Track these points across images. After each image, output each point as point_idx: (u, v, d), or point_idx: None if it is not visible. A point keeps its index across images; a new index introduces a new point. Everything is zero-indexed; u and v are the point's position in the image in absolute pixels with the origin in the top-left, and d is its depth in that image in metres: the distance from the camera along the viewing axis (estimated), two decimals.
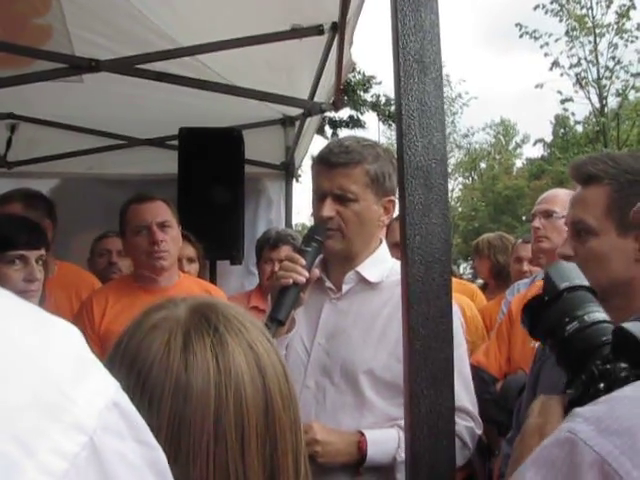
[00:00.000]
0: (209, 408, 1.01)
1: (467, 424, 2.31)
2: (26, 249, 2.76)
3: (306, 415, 2.30)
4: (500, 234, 5.97)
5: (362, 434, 2.26)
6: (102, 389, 0.66)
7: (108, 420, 0.64)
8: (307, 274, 2.27)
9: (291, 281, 2.25)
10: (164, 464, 0.70)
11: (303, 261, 2.28)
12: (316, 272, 2.37)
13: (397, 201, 2.37)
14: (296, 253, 2.39)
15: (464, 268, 35.15)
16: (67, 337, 0.68)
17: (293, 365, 2.41)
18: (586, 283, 1.54)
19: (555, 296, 1.47)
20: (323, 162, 2.43)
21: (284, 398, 1.08)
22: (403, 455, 2.17)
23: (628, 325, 1.20)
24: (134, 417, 0.68)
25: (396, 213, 2.52)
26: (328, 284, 2.49)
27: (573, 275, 1.54)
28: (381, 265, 2.47)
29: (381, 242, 2.54)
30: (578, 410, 0.73)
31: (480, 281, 6.53)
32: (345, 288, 2.46)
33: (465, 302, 4.37)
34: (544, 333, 1.49)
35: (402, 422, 2.23)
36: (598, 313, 1.43)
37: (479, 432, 2.37)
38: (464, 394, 2.29)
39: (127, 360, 1.08)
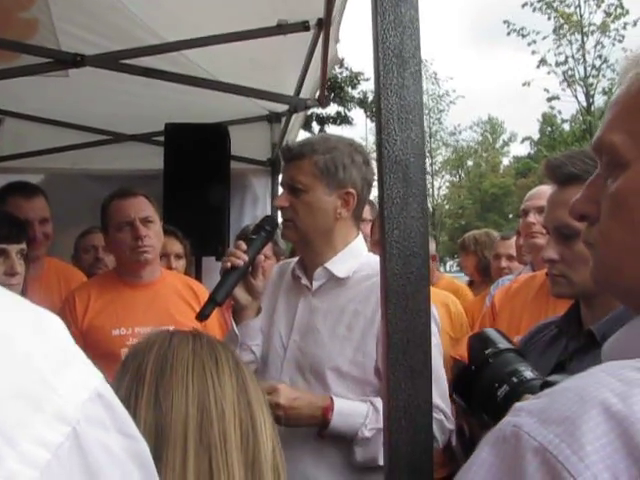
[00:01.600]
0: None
1: (436, 416, 2.33)
2: (6, 243, 2.75)
3: None
4: (486, 231, 6.01)
5: (331, 400, 2.29)
6: (86, 380, 0.65)
7: (91, 411, 0.64)
8: (246, 258, 2.37)
9: (229, 264, 2.36)
10: (147, 456, 0.71)
11: (244, 246, 2.39)
12: (261, 258, 2.47)
13: (355, 193, 2.45)
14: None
15: (450, 265, 35.29)
16: (51, 328, 0.68)
17: (272, 361, 2.49)
18: (510, 345, 1.54)
19: (481, 363, 1.48)
20: (283, 158, 2.56)
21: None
22: (367, 433, 2.25)
23: (554, 378, 1.22)
24: (118, 409, 0.68)
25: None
26: (304, 281, 2.53)
27: (496, 340, 1.54)
28: (352, 260, 2.49)
29: (356, 237, 2.56)
30: (520, 405, 0.75)
31: (466, 278, 6.57)
32: (315, 285, 2.50)
33: (450, 299, 4.38)
34: (480, 405, 1.50)
35: (376, 399, 2.28)
36: (526, 372, 1.44)
37: (450, 427, 2.38)
38: (434, 389, 2.30)
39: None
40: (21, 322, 0.65)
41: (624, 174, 0.91)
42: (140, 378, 1.19)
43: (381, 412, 2.23)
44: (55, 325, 0.69)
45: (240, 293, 2.44)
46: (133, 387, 1.18)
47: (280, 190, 2.58)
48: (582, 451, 0.66)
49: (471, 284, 6.00)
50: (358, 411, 2.29)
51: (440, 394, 2.34)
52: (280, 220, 2.58)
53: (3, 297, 0.67)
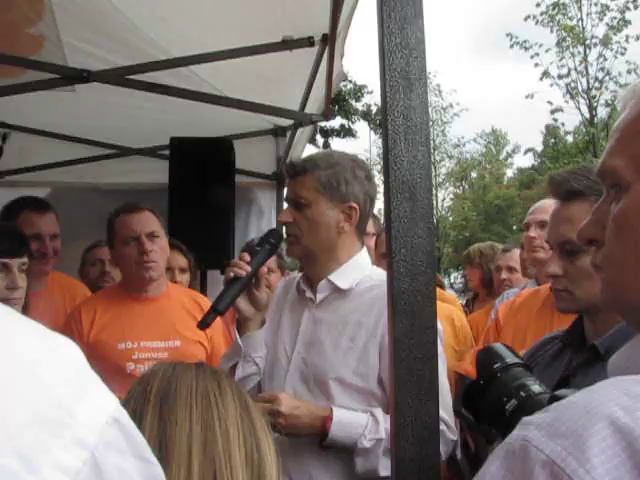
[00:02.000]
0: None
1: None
2: (8, 257, 2.74)
3: None
4: (491, 243, 6.03)
5: (331, 410, 2.32)
6: (103, 405, 0.66)
7: (109, 436, 0.64)
8: (248, 269, 2.40)
9: (232, 275, 2.39)
10: (162, 479, 0.71)
11: (247, 257, 2.42)
12: (264, 270, 2.50)
13: (358, 207, 2.48)
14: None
15: (455, 277, 35.21)
16: (68, 353, 0.68)
17: (276, 373, 2.52)
18: (518, 360, 1.55)
19: (490, 378, 1.48)
20: (287, 174, 2.57)
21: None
22: (366, 443, 2.26)
23: (561, 392, 1.23)
24: (133, 433, 0.68)
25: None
26: (308, 294, 2.55)
27: (504, 355, 1.54)
28: (355, 272, 2.51)
29: (360, 250, 2.58)
30: (529, 418, 0.77)
31: (470, 292, 6.58)
32: (319, 297, 2.53)
33: (455, 312, 4.38)
34: (489, 418, 1.50)
35: (376, 410, 2.27)
36: (534, 386, 1.44)
37: (452, 437, 2.38)
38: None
39: None
40: (38, 347, 0.66)
41: (626, 196, 0.94)
42: (144, 401, 1.21)
43: (381, 423, 2.25)
44: (71, 350, 0.69)
45: (243, 304, 2.47)
46: (137, 409, 1.19)
47: (285, 205, 2.61)
48: (589, 464, 0.67)
49: (476, 297, 6.01)
50: (357, 421, 2.31)
51: (443, 406, 2.35)
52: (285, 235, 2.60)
53: (19, 322, 0.68)
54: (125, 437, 0.67)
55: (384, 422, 2.27)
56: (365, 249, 2.62)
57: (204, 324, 2.41)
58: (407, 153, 1.31)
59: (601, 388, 0.77)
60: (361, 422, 2.30)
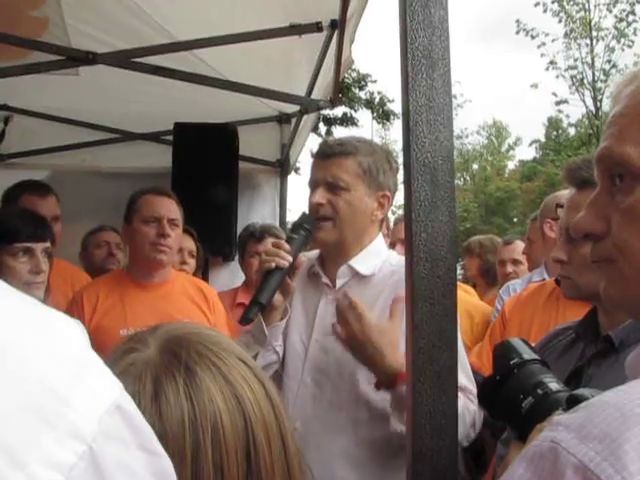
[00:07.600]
0: (186, 455, 0.94)
1: (474, 407, 2.22)
2: (32, 241, 2.80)
3: (303, 411, 2.34)
4: (490, 236, 6.10)
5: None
6: (103, 391, 0.60)
7: (109, 426, 0.58)
8: (290, 258, 2.29)
9: (274, 265, 2.28)
10: (171, 474, 0.65)
11: (287, 246, 2.32)
12: (302, 258, 2.39)
13: (391, 197, 2.48)
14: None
15: None
16: (66, 335, 0.62)
17: (291, 361, 2.46)
18: (535, 356, 1.52)
19: (506, 374, 1.46)
20: (319, 154, 2.50)
21: (268, 428, 1.01)
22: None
23: (580, 392, 1.20)
24: (138, 422, 0.62)
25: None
26: (324, 280, 2.50)
27: (521, 350, 1.52)
28: (375, 258, 2.48)
29: (377, 236, 2.55)
30: (558, 419, 0.73)
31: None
32: (339, 283, 2.48)
33: (476, 309, 4.32)
34: (503, 414, 1.48)
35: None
36: (552, 384, 1.42)
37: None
38: (461, 374, 2.25)
39: None
40: (28, 327, 0.59)
41: None
42: None
43: None
44: (69, 330, 0.63)
45: (276, 295, 2.34)
46: None
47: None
48: (625, 470, 0.64)
49: (473, 287, 6.01)
50: None
51: (467, 376, 2.26)
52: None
53: (15, 301, 0.60)
54: (128, 427, 0.60)
55: None
56: (381, 234, 2.60)
57: (246, 320, 2.27)
58: (429, 135, 1.28)
59: (633, 388, 0.74)
60: None
